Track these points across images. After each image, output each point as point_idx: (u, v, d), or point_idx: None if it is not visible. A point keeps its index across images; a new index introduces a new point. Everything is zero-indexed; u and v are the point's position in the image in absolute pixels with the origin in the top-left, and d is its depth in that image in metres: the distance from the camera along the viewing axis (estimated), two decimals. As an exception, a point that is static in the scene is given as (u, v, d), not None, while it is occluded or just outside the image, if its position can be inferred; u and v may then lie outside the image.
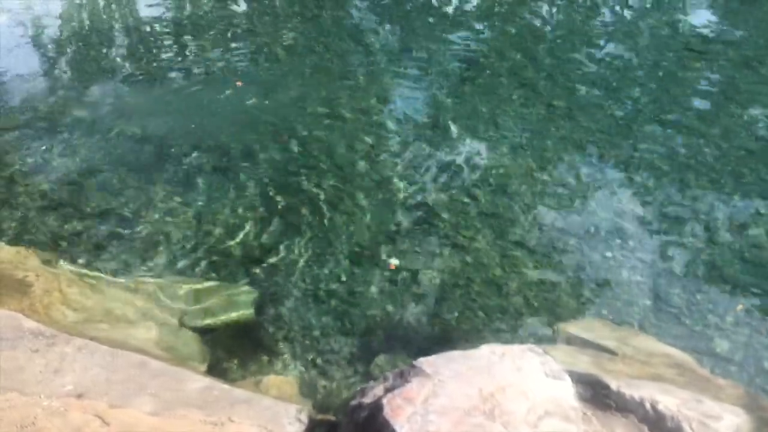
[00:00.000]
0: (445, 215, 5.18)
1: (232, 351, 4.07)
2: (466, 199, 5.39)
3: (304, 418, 3.01)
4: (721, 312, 4.35)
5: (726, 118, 6.65)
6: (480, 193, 5.46)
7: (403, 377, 2.87)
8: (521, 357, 2.90)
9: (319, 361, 4.02)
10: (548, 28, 9.16)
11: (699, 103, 6.98)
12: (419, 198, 5.38)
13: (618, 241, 4.95)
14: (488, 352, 2.93)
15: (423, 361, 2.90)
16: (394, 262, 4.72)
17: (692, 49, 8.33)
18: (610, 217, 5.20)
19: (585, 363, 3.52)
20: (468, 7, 10.15)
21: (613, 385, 2.95)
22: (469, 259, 4.78)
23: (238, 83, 7.10)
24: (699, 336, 4.16)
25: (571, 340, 3.90)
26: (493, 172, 5.74)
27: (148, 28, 8.88)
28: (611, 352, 3.73)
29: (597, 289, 4.52)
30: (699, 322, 4.26)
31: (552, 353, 3.09)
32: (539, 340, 4.08)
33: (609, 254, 4.81)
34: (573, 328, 4.04)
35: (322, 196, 5.35)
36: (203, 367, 3.78)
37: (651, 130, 6.40)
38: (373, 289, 4.51)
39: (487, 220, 5.17)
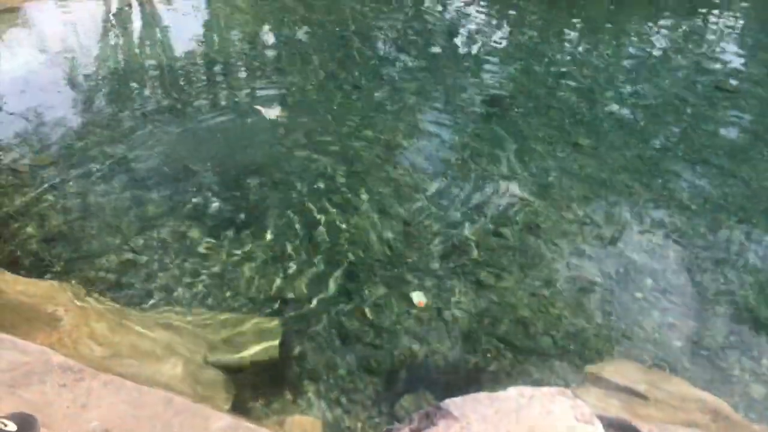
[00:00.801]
0: (472, 253, 5.16)
1: (257, 389, 4.04)
2: (493, 237, 5.36)
3: (329, 459, 2.97)
4: (756, 355, 4.24)
5: (756, 157, 6.59)
6: (507, 231, 5.43)
7: (428, 419, 2.83)
8: (551, 400, 2.84)
9: (343, 400, 3.98)
10: (574, 66, 9.19)
11: (728, 142, 6.92)
12: (446, 235, 5.37)
13: (648, 281, 4.88)
14: (516, 394, 2.88)
15: (449, 403, 2.85)
16: (421, 299, 4.70)
17: (721, 87, 8.29)
18: (639, 257, 5.13)
19: (616, 407, 3.44)
20: (493, 46, 10.24)
21: (645, 430, 2.87)
22: (495, 298, 4.74)
23: (272, 115, 7.19)
24: (733, 380, 4.06)
25: (600, 383, 3.82)
26: (521, 210, 5.72)
27: (179, 68, 9.08)
28: (642, 396, 3.64)
29: (627, 330, 4.44)
30: (733, 366, 4.15)
31: (582, 396, 3.03)
32: (568, 382, 4.01)
33: (639, 295, 4.74)
34: (603, 370, 3.96)
35: (348, 233, 5.36)
36: (228, 405, 3.76)
37: (680, 169, 6.35)
38: (399, 327, 4.48)
39: (515, 258, 5.13)
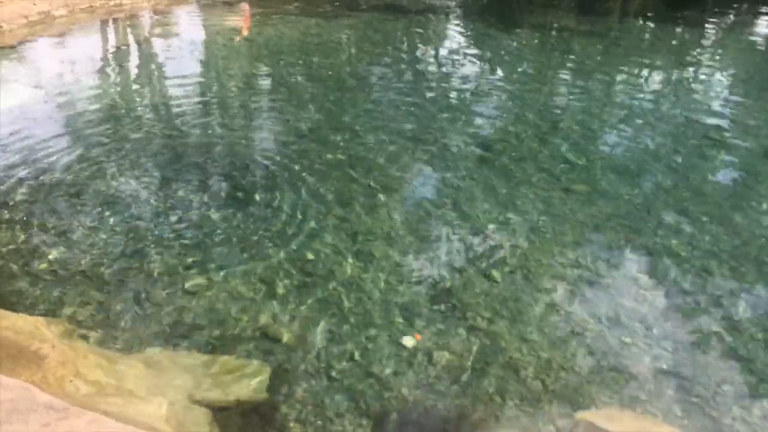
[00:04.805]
0: (463, 296, 5.15)
1: (243, 430, 3.98)
2: (484, 281, 5.36)
3: (315, 503, 2.91)
4: (747, 404, 4.22)
5: (746, 207, 6.65)
6: (498, 274, 5.43)
7: (418, 464, 2.79)
8: (541, 446, 2.81)
9: (331, 443, 3.92)
10: (566, 114, 9.32)
11: (718, 191, 6.99)
12: (437, 278, 5.36)
13: (639, 327, 4.87)
14: (506, 439, 2.85)
15: (439, 448, 2.82)
16: (417, 334, 4.69)
17: (710, 137, 8.42)
18: (630, 303, 5.13)
19: (606, 454, 3.40)
20: (486, 91, 10.39)
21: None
22: (486, 341, 4.71)
23: None
24: (725, 429, 4.02)
25: (591, 430, 3.78)
26: (512, 254, 5.73)
27: (173, 107, 9.16)
28: (633, 444, 3.61)
29: (618, 376, 4.41)
30: (725, 414, 4.12)
31: (572, 443, 3.00)
32: (558, 428, 3.97)
33: (630, 341, 4.72)
34: (593, 417, 3.92)
35: (338, 274, 5.35)
36: (213, 447, 3.70)
37: (670, 217, 6.40)
38: (388, 369, 4.43)
39: (505, 302, 5.13)
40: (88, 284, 5.11)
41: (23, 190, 6.46)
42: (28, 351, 3.71)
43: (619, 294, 5.25)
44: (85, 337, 4.46)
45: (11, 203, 6.20)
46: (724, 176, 7.37)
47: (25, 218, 5.96)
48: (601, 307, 5.08)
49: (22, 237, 5.67)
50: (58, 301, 4.90)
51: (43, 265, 5.30)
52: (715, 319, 5.01)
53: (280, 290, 5.13)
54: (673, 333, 4.84)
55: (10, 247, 5.53)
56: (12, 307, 4.63)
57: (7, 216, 5.99)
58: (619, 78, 11.69)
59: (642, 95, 10.46)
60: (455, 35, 15.41)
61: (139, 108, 9.10)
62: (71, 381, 3.60)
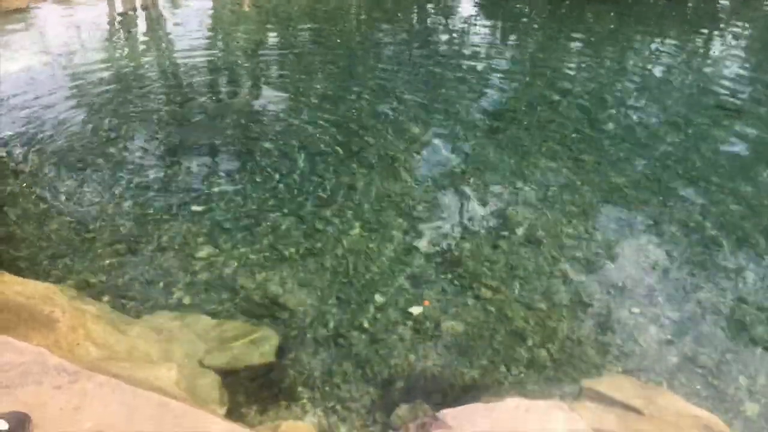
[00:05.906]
0: (470, 265, 5.16)
1: (252, 394, 4.03)
2: (492, 250, 5.36)
3: (323, 466, 2.95)
4: (751, 373, 4.24)
5: (756, 177, 6.60)
6: (505, 244, 5.43)
7: (424, 429, 2.83)
8: (547, 413, 2.84)
9: (338, 408, 3.96)
10: (577, 82, 9.23)
11: (729, 161, 6.94)
12: (445, 247, 5.37)
13: (645, 297, 4.88)
14: (513, 406, 2.88)
15: (446, 413, 2.86)
16: (425, 300, 4.72)
17: (723, 106, 8.33)
18: (637, 273, 5.13)
19: (611, 422, 3.43)
20: (497, 60, 10.30)
21: (640, 445, 2.87)
22: (493, 309, 4.73)
23: None
24: (729, 398, 4.05)
25: (596, 397, 3.81)
26: (520, 223, 5.72)
27: (184, 73, 9.12)
28: (638, 411, 3.63)
29: (623, 345, 4.43)
30: (729, 383, 4.15)
31: (578, 410, 3.03)
32: (563, 396, 3.99)
33: (636, 310, 4.74)
34: (598, 384, 3.95)
35: (347, 242, 5.36)
36: (222, 410, 3.75)
37: (680, 187, 6.36)
38: (395, 337, 4.47)
39: (512, 271, 5.14)
40: (99, 250, 5.15)
41: (32, 155, 6.48)
42: (40, 315, 3.75)
43: (626, 263, 5.25)
44: (95, 303, 4.50)
45: (21, 169, 6.22)
46: (736, 146, 7.30)
47: (34, 184, 5.98)
48: (609, 277, 5.09)
49: (32, 203, 5.70)
50: (68, 267, 4.94)
51: (54, 232, 5.34)
52: (723, 289, 5.01)
53: (289, 258, 5.16)
54: (679, 303, 4.84)
55: (21, 213, 5.56)
56: (24, 273, 4.68)
57: (17, 182, 6.02)
58: (631, 47, 11.55)
59: (654, 64, 10.34)
60: (466, 3, 15.22)
61: (147, 74, 9.06)
62: (80, 344, 3.65)
